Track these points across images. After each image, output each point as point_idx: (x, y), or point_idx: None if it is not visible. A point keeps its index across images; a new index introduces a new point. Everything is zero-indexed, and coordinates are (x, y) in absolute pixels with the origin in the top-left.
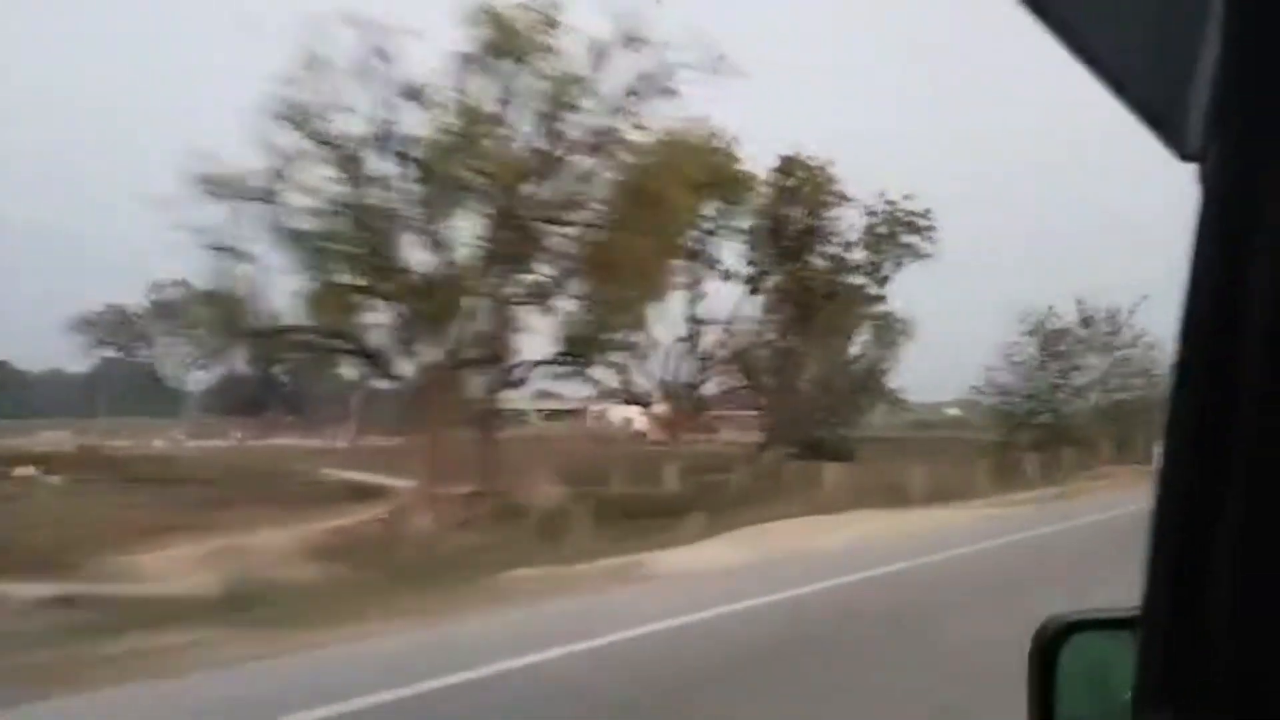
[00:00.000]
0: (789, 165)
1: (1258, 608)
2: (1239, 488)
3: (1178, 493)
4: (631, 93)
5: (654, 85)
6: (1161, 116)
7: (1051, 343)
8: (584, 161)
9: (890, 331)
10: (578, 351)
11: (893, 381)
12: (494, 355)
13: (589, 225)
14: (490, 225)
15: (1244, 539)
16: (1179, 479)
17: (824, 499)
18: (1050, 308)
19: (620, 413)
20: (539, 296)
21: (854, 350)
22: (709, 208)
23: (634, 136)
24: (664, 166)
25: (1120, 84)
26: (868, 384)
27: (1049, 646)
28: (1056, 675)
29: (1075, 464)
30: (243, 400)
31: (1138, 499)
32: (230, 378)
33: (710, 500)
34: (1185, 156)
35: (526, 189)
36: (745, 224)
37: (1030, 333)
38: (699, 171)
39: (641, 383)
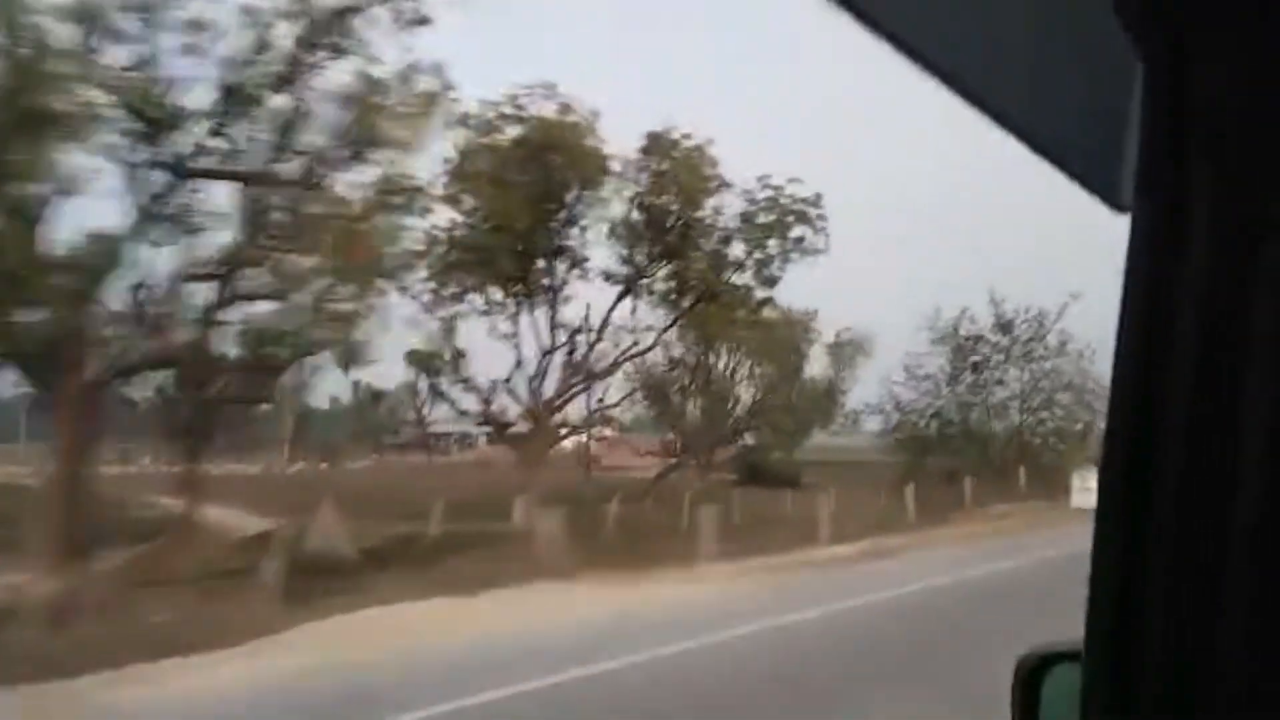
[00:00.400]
0: (658, 145)
1: (1194, 640)
2: (1172, 525)
3: (1115, 529)
4: (344, 11)
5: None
6: (1091, 173)
7: (965, 352)
8: (289, 101)
9: (846, 348)
10: (265, 352)
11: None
12: (167, 357)
13: (289, 184)
14: (143, 180)
15: (1178, 573)
16: (1116, 516)
17: (579, 554)
18: (964, 310)
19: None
20: (219, 277)
21: (809, 369)
22: (569, 195)
23: (366, 73)
24: (398, 112)
25: (1046, 147)
26: (820, 404)
27: (1031, 677)
28: (1039, 706)
29: (974, 498)
30: (178, 423)
31: (1020, 552)
32: (163, 399)
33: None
34: (1118, 208)
35: (203, 135)
36: (616, 215)
37: (940, 340)
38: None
39: (509, 404)
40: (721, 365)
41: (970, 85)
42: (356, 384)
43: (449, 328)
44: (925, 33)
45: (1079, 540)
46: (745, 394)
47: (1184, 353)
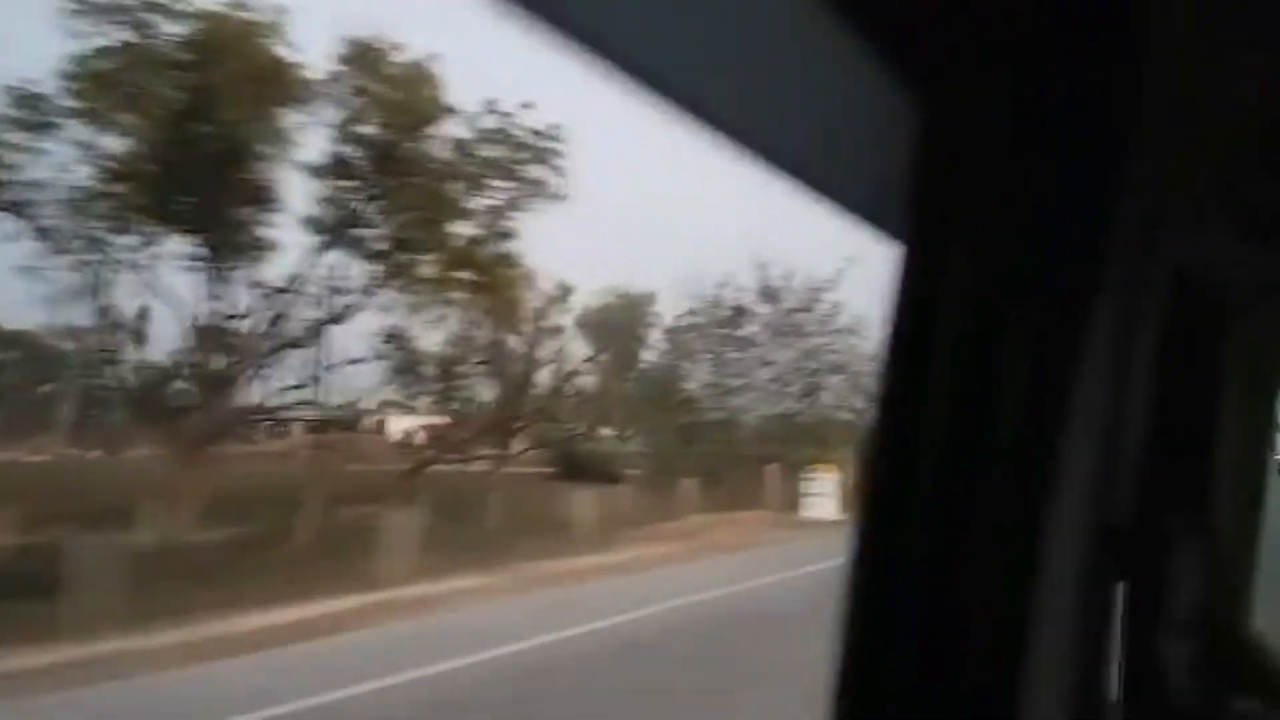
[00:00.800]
0: (364, 57)
1: (939, 637)
2: (921, 530)
3: (869, 538)
4: None
5: None
6: (871, 211)
7: (729, 325)
8: None
9: (686, 333)
10: None
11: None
12: None
13: None
14: None
15: (930, 567)
16: (871, 519)
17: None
18: (727, 276)
19: (400, 423)
20: None
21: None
22: (252, 118)
23: None
24: None
25: (827, 188)
26: (661, 390)
27: None
28: None
29: (690, 504)
30: None
31: (644, 602)
32: None
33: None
34: (893, 238)
35: None
36: (316, 147)
37: (700, 312)
38: None
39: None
40: (521, 344)
41: (735, 124)
42: (139, 362)
43: (92, 281)
44: (692, 79)
45: (760, 577)
46: (545, 378)
47: (940, 375)
